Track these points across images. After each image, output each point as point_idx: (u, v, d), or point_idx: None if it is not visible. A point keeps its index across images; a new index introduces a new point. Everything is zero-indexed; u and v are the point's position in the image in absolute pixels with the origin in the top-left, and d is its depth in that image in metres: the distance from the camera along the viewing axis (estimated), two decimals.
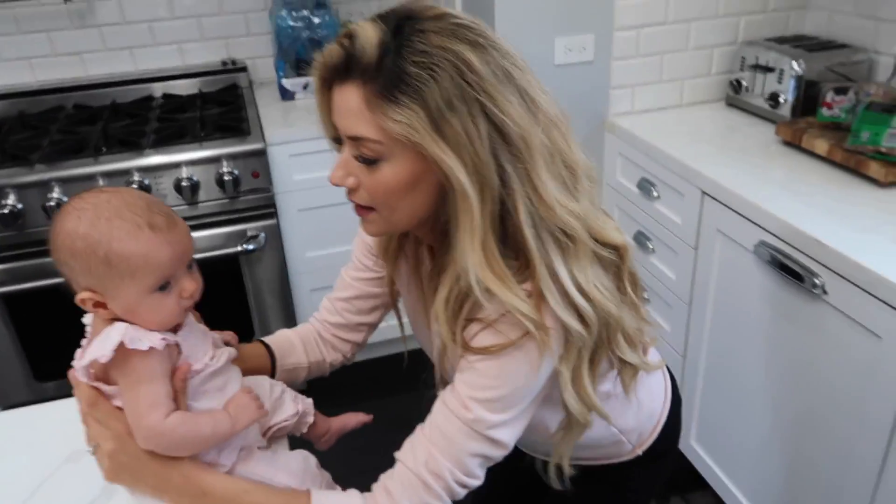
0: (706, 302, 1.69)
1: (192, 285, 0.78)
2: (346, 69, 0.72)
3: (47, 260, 0.88)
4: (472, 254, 0.72)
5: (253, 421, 0.82)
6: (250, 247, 2.01)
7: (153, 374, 0.76)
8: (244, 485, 0.81)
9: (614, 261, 0.80)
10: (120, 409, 0.78)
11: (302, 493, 0.81)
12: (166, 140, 1.98)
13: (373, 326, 1.11)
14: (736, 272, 1.57)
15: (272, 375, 1.02)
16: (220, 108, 2.24)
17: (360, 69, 0.71)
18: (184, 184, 1.91)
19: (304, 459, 0.88)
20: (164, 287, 0.76)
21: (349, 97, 0.72)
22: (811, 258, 1.33)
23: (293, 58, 2.28)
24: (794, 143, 1.68)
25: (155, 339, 0.75)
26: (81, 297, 0.76)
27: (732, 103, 2.02)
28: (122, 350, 0.73)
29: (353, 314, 1.07)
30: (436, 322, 0.80)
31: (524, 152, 0.71)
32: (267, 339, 1.07)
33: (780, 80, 1.81)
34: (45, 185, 1.84)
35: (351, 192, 0.79)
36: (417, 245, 0.93)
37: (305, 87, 2.28)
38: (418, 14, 0.72)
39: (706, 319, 1.70)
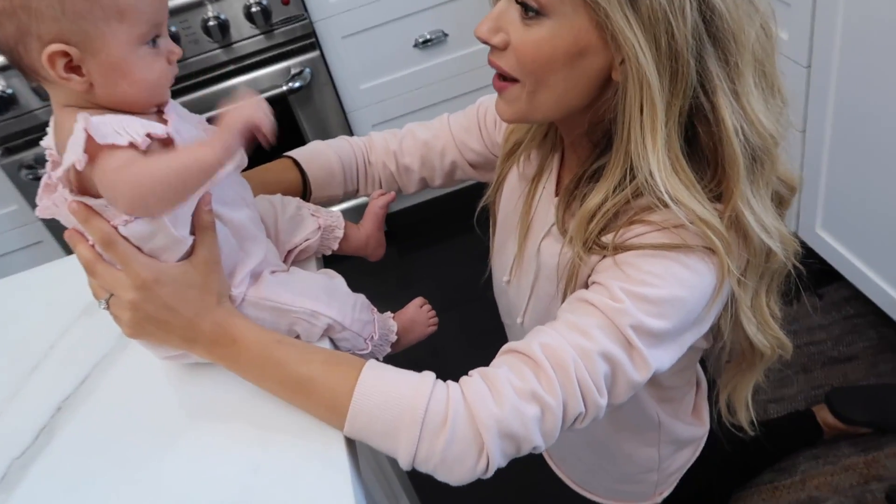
0: (830, 60, 1.37)
1: (178, 49, 0.64)
2: None
3: None
4: (654, 155, 0.62)
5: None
6: (296, 84, 1.84)
7: None
8: (278, 335, 0.69)
9: (781, 197, 0.73)
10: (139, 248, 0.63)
11: (354, 361, 0.66)
12: None
13: (424, 186, 1.00)
14: (870, 9, 1.24)
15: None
16: None
17: None
18: (211, 23, 1.73)
19: (328, 279, 0.74)
20: (153, 43, 0.61)
21: None
22: None
23: None
24: None
25: (135, 131, 0.57)
26: (51, 50, 0.56)
27: None
28: (93, 147, 0.56)
29: (423, 165, 0.96)
30: (545, 236, 0.77)
31: (733, 51, 0.61)
32: (302, 161, 0.92)
33: None
34: None
35: (496, 52, 0.68)
36: (549, 151, 0.82)
37: None
38: None
39: (831, 81, 1.39)
